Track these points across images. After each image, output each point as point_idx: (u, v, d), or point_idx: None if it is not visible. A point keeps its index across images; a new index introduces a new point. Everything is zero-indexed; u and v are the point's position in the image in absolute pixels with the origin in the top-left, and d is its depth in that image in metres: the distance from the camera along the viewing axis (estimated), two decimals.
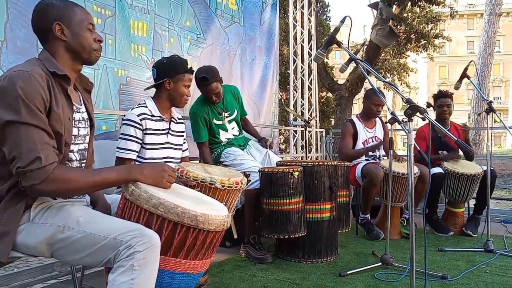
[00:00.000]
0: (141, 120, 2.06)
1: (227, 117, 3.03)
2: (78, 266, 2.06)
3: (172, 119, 2.25)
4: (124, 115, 2.12)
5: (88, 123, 1.48)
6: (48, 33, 1.34)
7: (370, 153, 3.57)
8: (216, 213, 1.33)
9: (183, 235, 1.26)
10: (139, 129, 2.06)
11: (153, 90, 2.23)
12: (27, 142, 1.17)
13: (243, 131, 3.24)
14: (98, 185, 1.29)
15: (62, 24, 1.33)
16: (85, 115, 1.46)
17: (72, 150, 1.40)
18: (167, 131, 2.19)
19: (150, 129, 2.10)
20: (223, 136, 3.02)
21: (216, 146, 3.01)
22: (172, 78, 2.14)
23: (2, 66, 2.38)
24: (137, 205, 1.26)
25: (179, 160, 2.28)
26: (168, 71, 2.16)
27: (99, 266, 1.27)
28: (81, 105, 1.45)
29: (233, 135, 3.08)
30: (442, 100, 3.70)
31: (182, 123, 2.35)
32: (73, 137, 1.38)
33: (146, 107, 2.12)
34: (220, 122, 3.00)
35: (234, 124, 3.10)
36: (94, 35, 1.40)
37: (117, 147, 2.05)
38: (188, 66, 2.20)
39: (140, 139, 2.07)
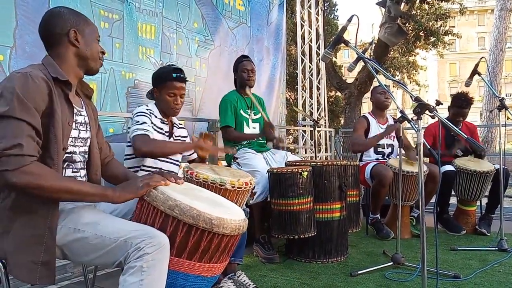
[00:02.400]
0: (150, 113, 2.13)
1: (252, 114, 3.15)
2: (90, 268, 2.08)
3: (174, 124, 2.30)
4: (133, 114, 2.14)
5: (89, 127, 1.50)
6: (60, 37, 1.38)
7: (379, 149, 3.55)
8: (231, 217, 1.32)
9: (197, 238, 1.26)
10: (149, 118, 2.10)
11: None
12: (12, 131, 1.16)
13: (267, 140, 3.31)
14: (72, 192, 1.23)
15: (78, 32, 1.39)
16: (87, 119, 1.49)
17: (75, 152, 1.42)
18: (168, 133, 2.23)
19: (155, 125, 2.14)
20: (246, 132, 3.09)
21: (237, 143, 3.05)
22: (158, 87, 2.19)
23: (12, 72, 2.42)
24: (154, 206, 1.28)
25: (179, 163, 2.31)
26: (155, 81, 2.24)
27: (112, 267, 1.29)
28: (82, 108, 1.48)
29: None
30: (459, 110, 3.61)
31: (183, 128, 2.39)
32: (74, 139, 1.40)
33: (150, 109, 2.18)
34: (246, 116, 3.11)
35: (257, 125, 3.17)
36: (100, 47, 1.48)
37: (135, 129, 2.02)
38: (174, 74, 2.16)
39: (152, 126, 2.10)
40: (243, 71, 3.11)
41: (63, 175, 1.34)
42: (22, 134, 1.16)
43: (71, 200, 1.34)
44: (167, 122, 2.24)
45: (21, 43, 2.48)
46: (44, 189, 1.18)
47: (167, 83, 2.17)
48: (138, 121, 2.06)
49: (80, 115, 1.44)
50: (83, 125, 1.46)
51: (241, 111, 3.08)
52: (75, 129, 1.41)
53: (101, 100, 3.00)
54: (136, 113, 2.11)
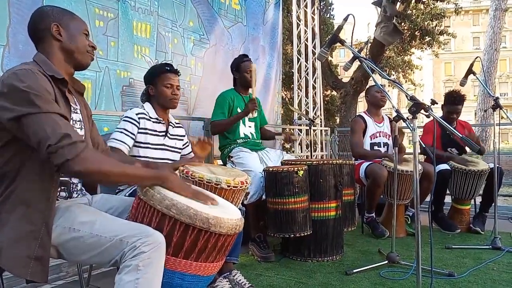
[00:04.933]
0: (139, 118, 2.14)
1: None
2: (85, 267, 2.08)
3: (170, 123, 2.31)
4: (123, 115, 2.19)
5: (83, 125, 1.49)
6: (44, 32, 1.38)
7: (375, 148, 3.56)
8: (228, 216, 1.33)
9: (194, 237, 1.26)
10: (136, 126, 2.13)
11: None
12: (50, 125, 1.16)
13: (263, 139, 3.34)
14: (128, 176, 1.29)
15: (60, 26, 1.39)
16: (80, 117, 1.48)
17: None
18: (164, 133, 2.25)
19: (146, 129, 2.16)
20: (241, 131, 3.07)
21: (232, 142, 3.05)
22: (153, 84, 2.24)
23: (4, 70, 2.39)
24: (150, 206, 1.28)
25: None
26: (148, 79, 2.28)
27: (107, 266, 1.28)
28: (77, 106, 1.48)
29: (250, 133, 3.13)
30: (452, 107, 3.62)
31: (180, 127, 2.41)
32: None
33: (144, 109, 2.21)
34: None
35: (252, 124, 3.17)
36: (88, 41, 1.46)
37: (112, 138, 2.09)
38: (167, 67, 2.24)
39: (134, 136, 2.13)
40: (246, 72, 3.08)
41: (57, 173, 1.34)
42: (60, 126, 1.18)
43: (126, 183, 1.49)
44: (163, 122, 2.24)
45: (14, 42, 2.46)
46: (103, 174, 1.23)
47: (161, 76, 2.22)
48: (119, 128, 2.11)
49: (75, 112, 1.44)
50: (78, 122, 1.45)
51: (238, 110, 3.07)
52: (73, 126, 1.40)
53: (95, 99, 2.98)
54: (124, 117, 2.14)
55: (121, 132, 2.09)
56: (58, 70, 1.35)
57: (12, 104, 1.17)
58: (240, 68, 3.10)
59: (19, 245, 1.21)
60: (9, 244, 1.21)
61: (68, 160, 1.15)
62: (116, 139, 2.08)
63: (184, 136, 2.40)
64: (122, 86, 3.20)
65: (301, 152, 6.28)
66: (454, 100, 3.62)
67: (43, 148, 1.15)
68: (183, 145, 2.41)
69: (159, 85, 2.21)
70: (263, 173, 2.73)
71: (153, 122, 2.20)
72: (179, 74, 2.29)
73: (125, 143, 2.08)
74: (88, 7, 2.89)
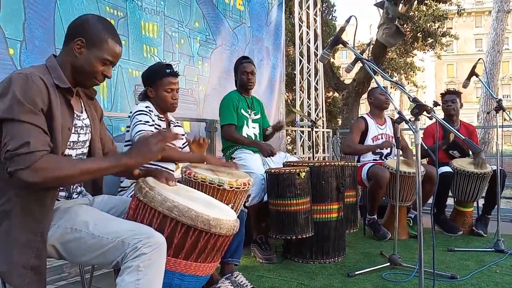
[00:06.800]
0: (149, 111, 2.13)
1: (253, 114, 3.16)
2: (87, 268, 2.08)
3: (171, 122, 2.32)
4: (131, 112, 2.15)
5: (90, 129, 1.49)
6: (69, 40, 1.36)
7: (377, 150, 3.55)
8: (227, 218, 1.35)
9: (195, 239, 1.27)
10: (150, 116, 2.10)
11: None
12: (19, 132, 1.16)
13: (265, 140, 3.34)
14: (90, 172, 1.25)
15: (84, 43, 1.34)
16: (87, 121, 1.48)
17: (72, 154, 1.41)
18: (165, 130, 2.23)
19: (154, 122, 2.14)
20: (244, 132, 3.09)
21: (235, 144, 3.05)
22: (152, 86, 2.18)
23: (22, 66, 2.38)
24: (151, 207, 1.28)
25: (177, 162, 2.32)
26: (147, 80, 2.22)
27: (109, 267, 1.29)
28: (82, 112, 1.46)
29: (254, 134, 3.15)
30: (447, 96, 3.77)
31: (180, 126, 2.41)
32: (72, 143, 1.39)
33: (148, 106, 2.18)
34: (246, 115, 3.12)
35: (256, 125, 3.19)
36: (104, 69, 1.39)
37: (138, 131, 2.02)
38: (168, 70, 2.18)
39: (154, 124, 2.10)
40: (242, 73, 3.11)
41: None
42: (28, 133, 1.16)
43: (92, 178, 1.43)
44: (164, 119, 2.25)
45: (31, 37, 2.45)
46: (63, 179, 1.22)
47: (163, 80, 2.17)
48: (140, 120, 2.06)
49: (79, 119, 1.43)
50: (83, 128, 1.45)
51: (242, 111, 3.09)
52: (75, 133, 1.40)
53: (111, 97, 3.00)
54: (137, 112, 2.11)
55: (144, 124, 2.05)
56: (65, 79, 1.34)
57: None
58: (238, 70, 3.14)
59: (15, 255, 1.20)
60: (5, 254, 1.20)
61: (21, 169, 1.12)
62: (143, 130, 2.02)
63: (183, 135, 2.40)
64: (135, 85, 3.22)
65: (303, 153, 6.28)
66: (448, 91, 3.81)
67: (2, 153, 1.15)
68: (183, 144, 2.41)
69: (160, 89, 2.17)
70: (265, 174, 2.73)
71: (157, 119, 2.20)
72: (178, 75, 2.27)
73: (151, 131, 2.04)
74: (99, 5, 2.92)
